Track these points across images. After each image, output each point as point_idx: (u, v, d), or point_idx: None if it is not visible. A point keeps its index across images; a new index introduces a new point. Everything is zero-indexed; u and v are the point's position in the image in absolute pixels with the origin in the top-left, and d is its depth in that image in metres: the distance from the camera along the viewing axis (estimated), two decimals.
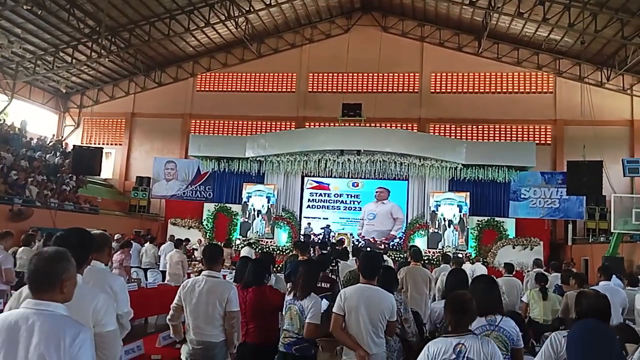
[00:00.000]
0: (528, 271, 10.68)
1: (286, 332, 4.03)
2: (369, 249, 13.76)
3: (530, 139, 19.94)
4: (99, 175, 17.93)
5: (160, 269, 11.15)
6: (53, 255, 2.03)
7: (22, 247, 8.67)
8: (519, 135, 20.40)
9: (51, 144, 21.37)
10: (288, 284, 5.92)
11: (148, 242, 12.37)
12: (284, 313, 4.11)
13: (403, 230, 17.74)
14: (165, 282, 9.38)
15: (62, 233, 2.67)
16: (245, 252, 11.97)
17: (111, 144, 23.41)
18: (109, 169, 22.52)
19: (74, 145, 18.48)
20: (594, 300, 3.02)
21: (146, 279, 10.44)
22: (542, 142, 19.94)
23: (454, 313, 2.88)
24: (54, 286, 1.98)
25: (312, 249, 8.60)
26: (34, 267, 1.99)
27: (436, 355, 2.78)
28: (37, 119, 22.38)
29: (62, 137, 23.55)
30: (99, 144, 22.45)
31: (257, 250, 15.12)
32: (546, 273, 7.95)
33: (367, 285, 3.65)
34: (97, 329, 2.32)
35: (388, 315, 3.58)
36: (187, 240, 13.69)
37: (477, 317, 3.33)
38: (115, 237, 11.86)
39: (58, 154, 20.54)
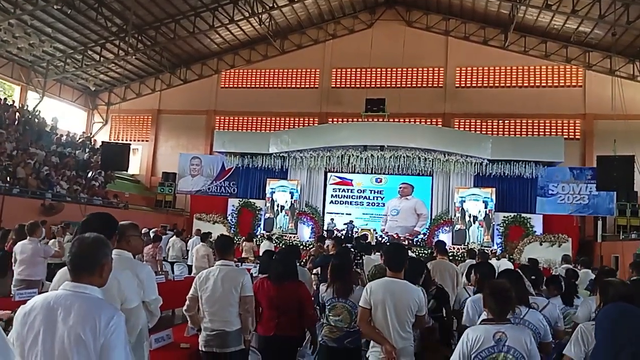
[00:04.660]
0: (556, 268, 10.48)
1: (333, 328, 4.03)
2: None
3: (558, 133, 19.50)
4: (127, 170, 18.30)
5: (189, 262, 11.33)
6: (95, 241, 2.13)
7: (52, 240, 8.95)
8: (546, 130, 19.99)
9: (80, 140, 21.88)
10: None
11: (174, 236, 12.58)
12: (327, 311, 4.12)
13: (427, 227, 17.60)
14: (192, 275, 9.52)
15: (86, 217, 2.84)
16: (266, 246, 12.08)
17: (138, 140, 23.86)
18: (136, 165, 22.96)
19: (102, 142, 18.88)
20: (622, 287, 2.97)
21: (172, 272, 10.62)
22: (570, 136, 19.49)
23: (498, 302, 2.86)
24: (93, 270, 2.07)
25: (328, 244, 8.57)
26: (76, 251, 2.09)
27: (475, 342, 2.77)
28: (66, 116, 22.97)
29: (91, 133, 24.10)
30: (126, 140, 22.89)
31: (279, 244, 15.21)
32: (576, 269, 7.79)
33: (393, 278, 3.60)
34: (123, 306, 2.46)
35: (415, 309, 3.52)
36: (210, 234, 13.85)
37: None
38: (143, 231, 12.08)
39: (87, 150, 21.03)
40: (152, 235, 10.82)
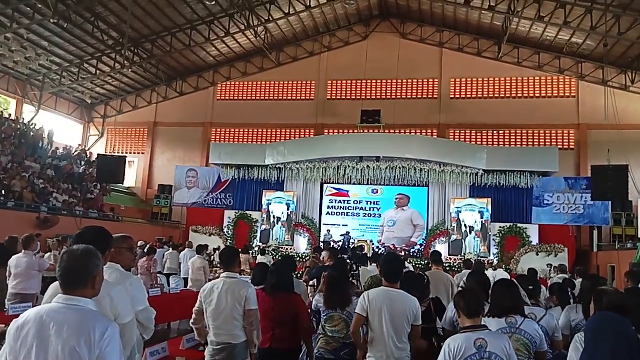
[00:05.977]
0: (552, 277, 10.48)
1: (329, 339, 4.05)
2: None
3: (552, 144, 19.63)
4: (123, 183, 18.24)
5: (182, 275, 11.26)
6: (85, 253, 2.11)
7: (48, 253, 8.90)
8: (541, 141, 20.11)
9: (76, 153, 21.84)
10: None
11: (171, 249, 12.52)
12: (323, 322, 4.13)
13: (424, 237, 17.60)
14: (188, 287, 9.47)
15: (80, 231, 2.79)
16: (261, 258, 12.04)
17: (134, 153, 23.82)
18: (132, 178, 22.91)
19: (98, 155, 18.86)
20: (616, 296, 2.97)
21: (169, 285, 10.56)
22: (565, 147, 19.61)
23: (468, 302, 2.92)
24: (85, 283, 2.05)
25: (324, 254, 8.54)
26: (66, 264, 2.06)
27: (457, 351, 2.78)
28: (63, 129, 22.95)
29: (87, 146, 24.06)
30: (122, 153, 22.87)
31: (276, 256, 15.15)
32: (572, 279, 7.79)
33: (390, 288, 3.62)
34: (116, 322, 2.41)
35: (412, 319, 3.54)
36: (206, 246, 13.79)
37: (496, 317, 3.31)
38: (139, 244, 12.03)
39: (83, 163, 20.98)
40: (146, 248, 10.76)
